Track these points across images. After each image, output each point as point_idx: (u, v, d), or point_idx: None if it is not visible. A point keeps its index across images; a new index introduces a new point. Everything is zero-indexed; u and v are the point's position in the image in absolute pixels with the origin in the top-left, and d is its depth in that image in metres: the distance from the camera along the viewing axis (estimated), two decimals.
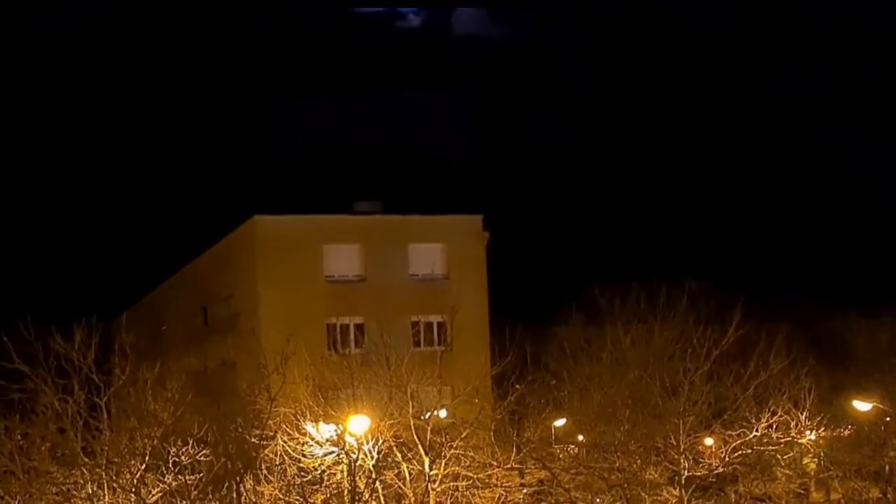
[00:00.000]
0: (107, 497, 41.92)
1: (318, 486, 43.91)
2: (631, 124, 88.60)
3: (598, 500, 46.60)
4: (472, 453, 44.35)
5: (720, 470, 47.03)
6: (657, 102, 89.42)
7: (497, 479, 44.78)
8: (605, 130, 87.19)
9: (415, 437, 43.76)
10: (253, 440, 43.52)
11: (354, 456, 43.17)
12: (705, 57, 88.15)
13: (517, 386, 46.55)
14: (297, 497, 43.03)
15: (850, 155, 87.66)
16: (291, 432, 43.84)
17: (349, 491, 43.02)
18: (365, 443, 43.30)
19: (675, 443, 46.13)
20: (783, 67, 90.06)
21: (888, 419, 53.26)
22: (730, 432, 47.27)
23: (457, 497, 44.31)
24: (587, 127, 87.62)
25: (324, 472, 43.86)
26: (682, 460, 46.18)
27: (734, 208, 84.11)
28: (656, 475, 46.35)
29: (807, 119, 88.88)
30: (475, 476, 44.19)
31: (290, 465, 43.82)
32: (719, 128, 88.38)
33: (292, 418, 43.77)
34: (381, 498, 43.50)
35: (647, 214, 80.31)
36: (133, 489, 41.74)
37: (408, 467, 43.98)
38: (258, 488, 43.28)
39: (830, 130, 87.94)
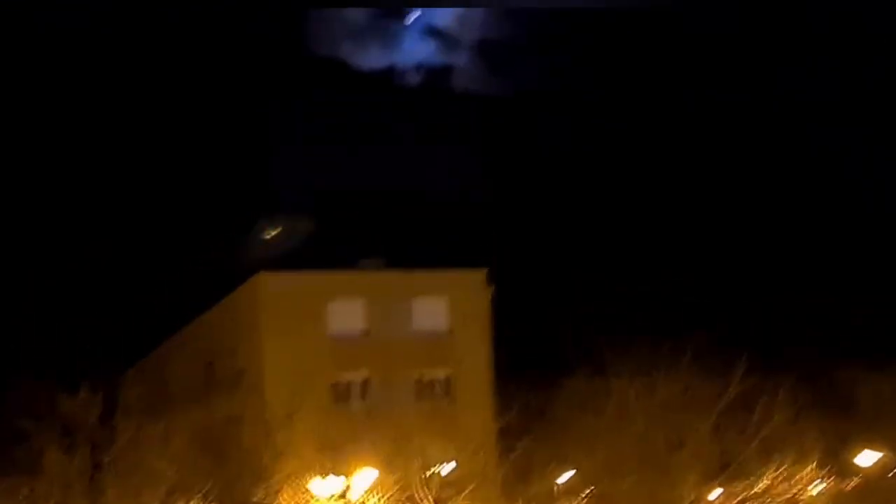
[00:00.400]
0: None
1: None
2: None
3: None
4: None
5: None
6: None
7: None
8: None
9: (420, 491, 43.72)
10: (258, 496, 43.48)
11: None
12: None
13: (522, 439, 46.56)
14: None
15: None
16: (297, 487, 43.82)
17: None
18: (371, 497, 43.30)
19: (681, 496, 46.07)
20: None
21: (895, 471, 53.13)
22: (736, 485, 47.21)
23: None
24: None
25: None
26: None
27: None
28: None
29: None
30: None
31: None
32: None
33: (298, 473, 43.76)
34: None
35: (650, 258, 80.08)
36: None
37: None
38: None
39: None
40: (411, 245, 64.89)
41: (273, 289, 52.97)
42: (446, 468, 45.85)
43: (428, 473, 44.26)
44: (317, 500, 43.89)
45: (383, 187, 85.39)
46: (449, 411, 48.28)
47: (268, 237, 75.83)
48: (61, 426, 42.15)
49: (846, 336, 62.11)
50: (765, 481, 46.67)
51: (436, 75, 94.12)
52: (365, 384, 52.15)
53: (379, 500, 43.40)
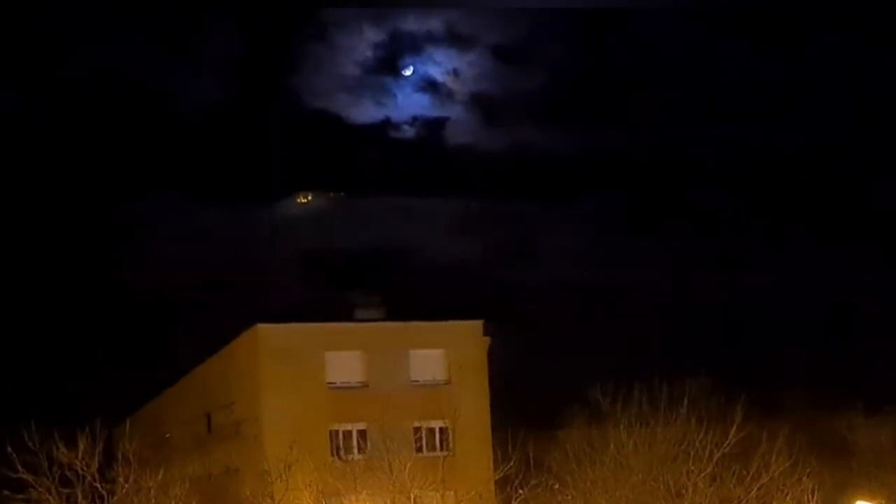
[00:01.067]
0: None
1: None
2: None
3: None
4: None
5: None
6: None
7: None
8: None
9: None
10: None
11: None
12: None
13: (520, 491, 46.53)
14: None
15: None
16: None
17: None
18: None
19: None
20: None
21: None
22: None
23: None
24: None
25: None
26: None
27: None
28: None
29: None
30: None
31: None
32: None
33: None
34: None
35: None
36: None
37: None
38: None
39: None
40: (408, 297, 65.18)
41: (271, 340, 53.11)
42: None
43: None
44: None
45: (380, 240, 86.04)
46: (447, 462, 48.22)
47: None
48: (60, 477, 42.10)
49: (843, 380, 62.34)
50: None
51: (430, 128, 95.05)
52: (363, 435, 52.16)
53: None
